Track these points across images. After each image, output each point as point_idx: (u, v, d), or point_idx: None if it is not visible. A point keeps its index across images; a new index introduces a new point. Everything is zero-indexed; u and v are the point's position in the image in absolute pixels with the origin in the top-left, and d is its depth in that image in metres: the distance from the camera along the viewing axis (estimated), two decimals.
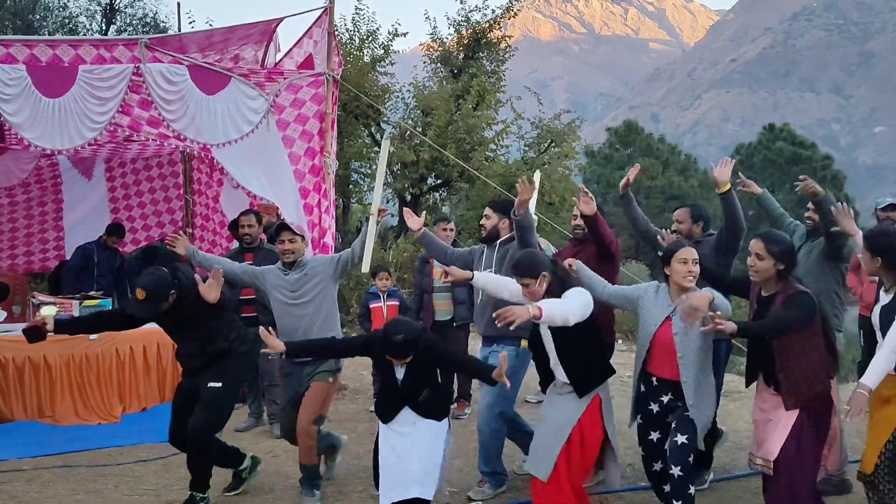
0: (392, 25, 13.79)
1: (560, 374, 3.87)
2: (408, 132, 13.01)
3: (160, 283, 4.14)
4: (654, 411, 3.91)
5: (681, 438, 3.73)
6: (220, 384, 4.36)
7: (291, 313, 4.56)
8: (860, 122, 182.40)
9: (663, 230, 4.69)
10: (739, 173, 4.86)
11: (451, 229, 6.35)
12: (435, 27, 14.46)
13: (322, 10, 6.88)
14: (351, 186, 14.07)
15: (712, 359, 3.93)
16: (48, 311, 4.22)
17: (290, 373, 4.68)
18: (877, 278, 3.79)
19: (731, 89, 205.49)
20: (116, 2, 16.89)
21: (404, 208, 4.42)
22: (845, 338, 4.85)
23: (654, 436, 3.91)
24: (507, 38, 14.24)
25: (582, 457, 3.78)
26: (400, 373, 3.90)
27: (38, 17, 16.63)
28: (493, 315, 3.51)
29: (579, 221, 4.83)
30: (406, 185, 13.42)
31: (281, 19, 7.20)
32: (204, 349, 4.37)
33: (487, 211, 4.87)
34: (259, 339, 4.08)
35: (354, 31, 13.69)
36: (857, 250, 4.10)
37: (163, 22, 17.05)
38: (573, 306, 3.65)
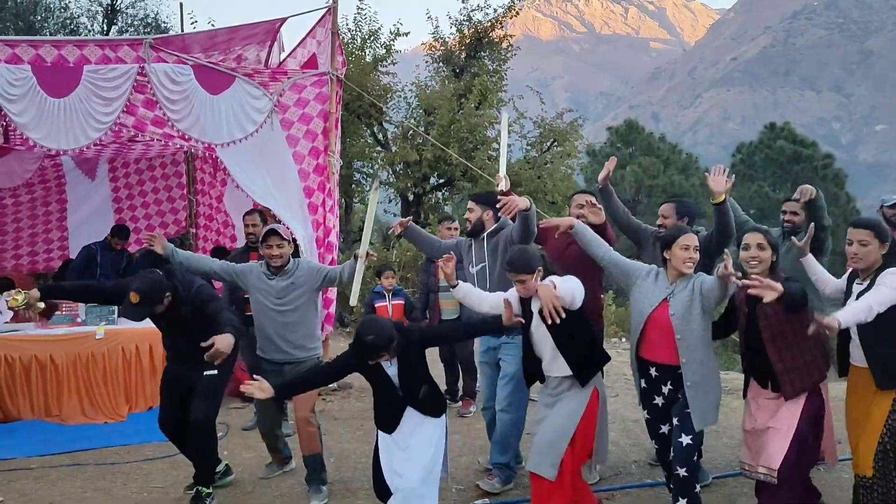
0: (394, 25, 13.80)
1: (558, 370, 3.83)
2: (410, 131, 13.02)
3: (154, 286, 4.17)
4: (660, 404, 3.94)
5: (685, 439, 3.75)
6: (215, 371, 4.42)
7: (275, 320, 4.55)
8: (861, 120, 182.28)
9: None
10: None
11: (456, 228, 6.36)
12: (437, 27, 14.48)
13: (325, 9, 6.89)
14: (353, 186, 14.07)
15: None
16: (17, 297, 4.17)
17: (269, 371, 4.57)
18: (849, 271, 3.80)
19: (732, 88, 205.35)
20: (118, 2, 16.91)
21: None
22: None
23: (665, 429, 3.94)
24: (509, 38, 14.25)
25: (582, 451, 3.82)
26: (392, 371, 3.76)
27: (39, 17, 16.64)
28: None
29: (582, 211, 4.83)
30: (408, 185, 13.43)
31: (284, 19, 7.21)
32: (197, 348, 4.33)
33: (471, 204, 4.86)
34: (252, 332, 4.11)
35: (356, 30, 13.71)
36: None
37: (164, 22, 17.05)
38: (574, 281, 3.76)
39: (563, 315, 3.64)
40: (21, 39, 6.35)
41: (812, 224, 4.37)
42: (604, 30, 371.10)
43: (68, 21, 16.78)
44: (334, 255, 6.79)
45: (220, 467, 4.77)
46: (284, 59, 7.44)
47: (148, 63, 6.10)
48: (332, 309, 6.79)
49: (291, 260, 4.67)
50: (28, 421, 6.05)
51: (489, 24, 14.13)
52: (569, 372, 3.81)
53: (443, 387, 6.51)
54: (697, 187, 28.12)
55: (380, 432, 3.86)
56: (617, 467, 5.03)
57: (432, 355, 4.99)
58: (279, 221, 6.35)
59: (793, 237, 4.62)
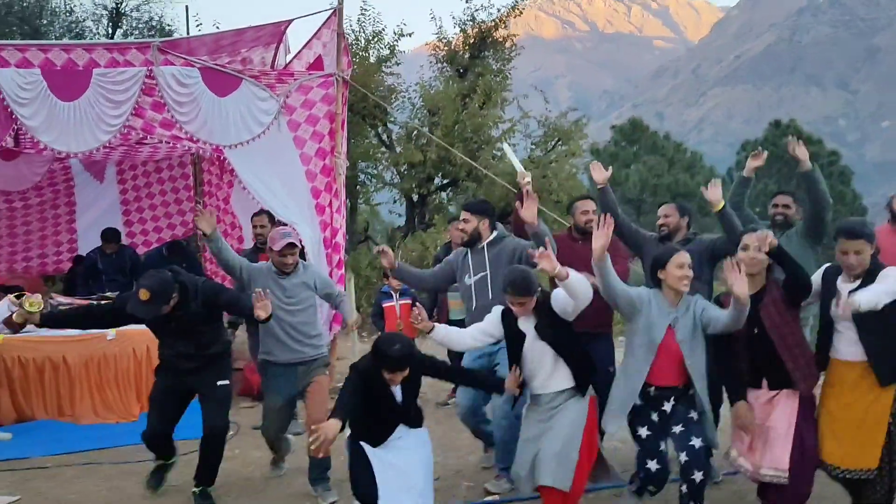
0: (397, 25, 13.86)
1: (555, 385, 3.84)
2: (415, 132, 13.06)
3: (164, 284, 4.21)
4: (655, 419, 3.86)
5: (697, 442, 3.74)
6: (227, 381, 4.53)
7: (284, 319, 4.58)
8: (867, 117, 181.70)
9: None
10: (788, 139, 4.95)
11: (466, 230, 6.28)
12: (440, 27, 14.53)
13: (331, 11, 6.95)
14: (358, 187, 14.13)
15: None
16: (34, 302, 4.19)
17: (279, 374, 4.65)
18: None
19: (737, 86, 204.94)
20: (122, 6, 17.00)
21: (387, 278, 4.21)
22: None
23: (664, 445, 3.86)
24: (513, 37, 14.28)
25: (588, 458, 3.85)
26: (398, 393, 3.80)
27: (44, 21, 16.74)
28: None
29: (591, 217, 4.86)
30: (413, 186, 13.47)
31: (290, 21, 7.28)
32: (201, 352, 4.45)
33: (465, 215, 4.73)
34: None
35: (360, 31, 13.76)
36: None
37: (168, 25, 17.14)
38: (586, 284, 3.71)
39: None
40: (31, 43, 6.43)
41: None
42: (607, 28, 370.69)
43: (73, 25, 16.88)
44: (341, 255, 6.85)
45: (175, 458, 4.77)
46: (290, 61, 7.50)
47: (156, 66, 6.17)
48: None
49: (298, 261, 4.76)
50: (42, 421, 6.12)
51: (493, 23, 14.16)
52: (567, 385, 3.84)
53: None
54: (703, 185, 28.13)
55: (364, 444, 3.83)
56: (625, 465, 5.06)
57: (440, 352, 5.06)
58: (283, 223, 6.39)
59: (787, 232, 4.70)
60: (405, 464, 3.79)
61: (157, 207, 9.59)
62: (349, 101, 7.23)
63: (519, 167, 4.99)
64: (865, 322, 3.57)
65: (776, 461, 3.68)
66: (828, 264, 3.89)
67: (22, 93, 5.83)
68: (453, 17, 14.35)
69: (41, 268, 9.38)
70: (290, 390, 4.67)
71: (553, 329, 3.84)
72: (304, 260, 5.65)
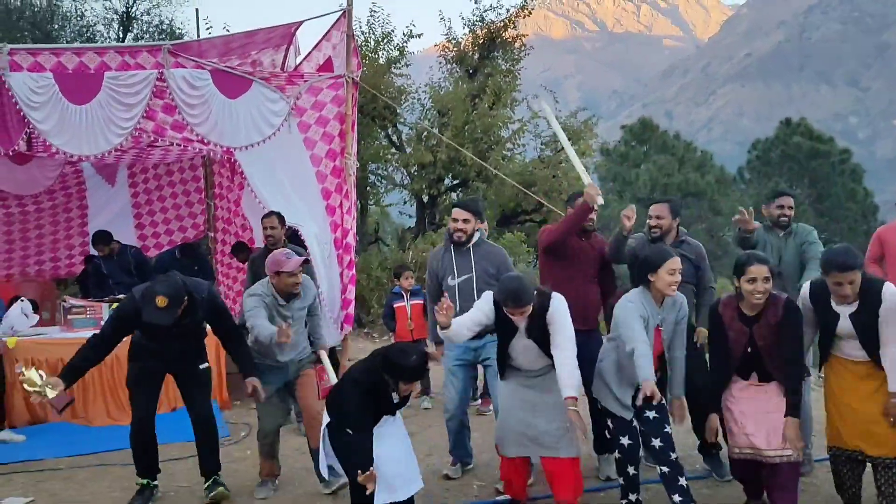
0: (407, 27, 13.87)
1: (537, 365, 4.03)
2: (424, 133, 13.06)
3: (178, 289, 4.22)
4: (651, 417, 3.98)
5: (669, 428, 3.93)
6: (207, 363, 4.63)
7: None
8: (878, 114, 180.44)
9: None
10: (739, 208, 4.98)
11: (485, 228, 6.22)
12: (450, 28, 14.52)
13: (340, 13, 6.96)
14: (368, 188, 14.14)
15: None
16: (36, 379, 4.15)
17: (272, 369, 4.62)
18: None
19: (746, 84, 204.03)
20: (133, 10, 17.11)
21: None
22: None
23: (629, 442, 3.98)
24: (522, 38, 14.26)
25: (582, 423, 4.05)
26: (396, 397, 3.80)
27: (56, 26, 16.87)
28: None
29: (594, 215, 4.82)
30: (423, 186, 13.47)
31: (300, 23, 7.29)
32: (189, 349, 4.53)
33: (466, 214, 4.71)
34: None
35: (370, 33, 13.79)
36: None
37: (178, 29, 17.25)
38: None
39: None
40: (43, 47, 6.46)
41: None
42: (616, 28, 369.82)
43: (84, 29, 17.00)
44: (352, 256, 6.86)
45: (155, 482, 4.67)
46: (300, 63, 7.52)
47: (167, 68, 6.18)
48: (351, 309, 6.85)
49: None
50: (55, 422, 6.14)
51: (502, 24, 14.14)
52: (544, 362, 4.00)
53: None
54: (713, 185, 27.97)
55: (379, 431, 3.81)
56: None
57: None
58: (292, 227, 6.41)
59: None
60: (389, 451, 3.75)
61: (168, 210, 9.62)
62: (359, 103, 7.24)
63: (585, 176, 4.72)
64: (870, 338, 3.73)
65: (797, 440, 3.78)
66: (809, 282, 3.96)
67: (34, 97, 5.87)
68: (462, 18, 14.37)
69: (53, 271, 9.44)
70: (281, 379, 4.69)
71: (542, 331, 3.92)
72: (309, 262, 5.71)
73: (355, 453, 3.58)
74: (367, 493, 3.48)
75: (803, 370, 3.91)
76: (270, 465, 4.78)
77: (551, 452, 3.99)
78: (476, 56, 14.28)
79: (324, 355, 5.01)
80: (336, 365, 6.54)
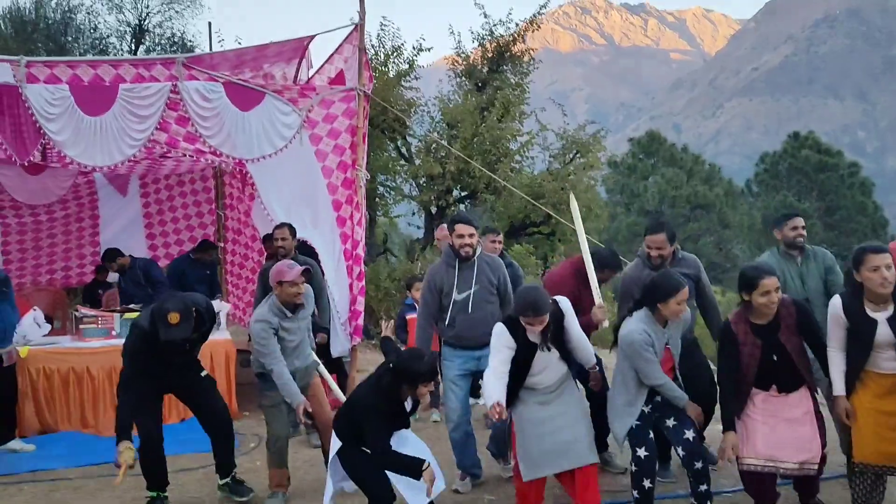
0: (416, 40, 13.93)
1: (551, 377, 4.09)
2: (433, 144, 13.11)
3: (185, 302, 4.31)
4: (648, 410, 4.11)
5: (689, 434, 4.00)
6: (205, 370, 4.79)
7: (287, 348, 4.62)
8: (886, 127, 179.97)
9: None
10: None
11: (500, 241, 6.18)
12: (459, 41, 14.59)
13: (352, 27, 7.02)
14: (377, 199, 14.18)
15: None
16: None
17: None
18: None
19: (754, 98, 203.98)
20: (146, 22, 17.28)
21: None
22: None
23: (645, 454, 4.04)
24: (531, 51, 14.32)
25: None
26: (409, 404, 3.93)
27: (70, 38, 17.04)
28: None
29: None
30: (431, 198, 13.49)
31: (313, 37, 7.34)
32: (191, 359, 4.68)
33: (472, 230, 4.77)
34: None
35: (380, 46, 13.86)
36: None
37: (190, 41, 17.40)
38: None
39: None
40: (59, 60, 6.54)
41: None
42: (623, 41, 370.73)
43: (98, 41, 17.18)
44: (361, 267, 6.88)
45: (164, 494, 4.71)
46: (312, 76, 7.57)
47: (180, 81, 6.25)
48: (360, 320, 6.86)
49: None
50: (66, 432, 6.17)
51: (510, 38, 14.21)
52: (561, 372, 4.10)
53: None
54: (721, 197, 27.96)
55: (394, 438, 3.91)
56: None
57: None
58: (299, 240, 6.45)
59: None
60: (412, 448, 3.90)
61: (179, 220, 9.68)
62: (369, 115, 7.28)
63: (597, 295, 4.79)
64: None
65: (815, 451, 3.84)
66: (837, 296, 3.93)
67: (50, 108, 5.93)
68: (472, 32, 14.42)
69: (65, 280, 9.49)
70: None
71: (560, 336, 4.07)
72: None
73: (401, 469, 3.76)
74: (433, 485, 3.68)
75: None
76: (281, 474, 4.77)
77: (582, 461, 4.01)
78: (485, 69, 14.33)
79: (321, 367, 5.09)
80: (345, 377, 6.55)
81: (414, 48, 13.81)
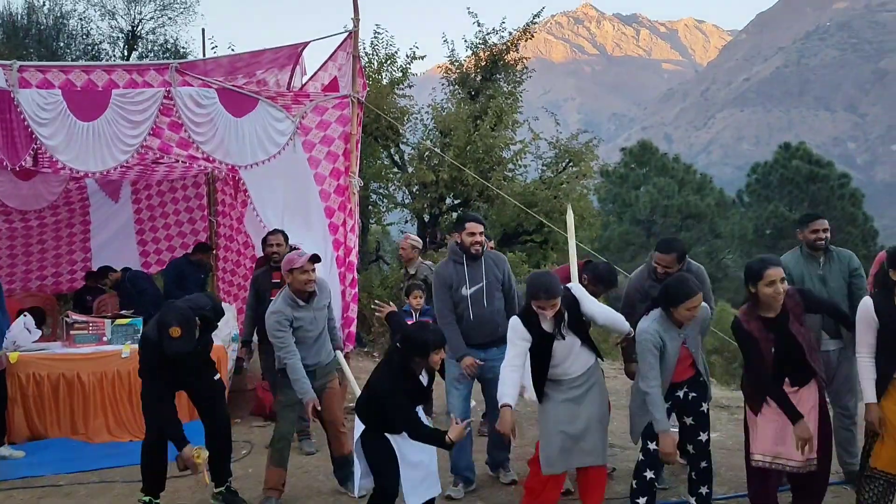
0: (410, 48, 13.96)
1: (576, 369, 4.15)
2: (427, 152, 13.12)
3: (184, 313, 4.30)
4: (668, 405, 4.12)
5: (703, 436, 4.17)
6: (218, 374, 4.80)
7: (306, 342, 4.69)
8: (876, 139, 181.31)
9: None
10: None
11: (492, 248, 6.10)
12: (452, 50, 14.64)
13: (347, 34, 7.02)
14: (370, 207, 14.17)
15: None
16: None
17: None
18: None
19: (745, 108, 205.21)
20: (138, 28, 17.24)
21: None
22: None
23: (655, 448, 4.07)
24: (524, 60, 14.38)
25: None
26: (425, 378, 4.01)
27: (62, 44, 16.98)
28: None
29: None
30: (424, 206, 13.50)
31: (307, 43, 7.35)
32: (197, 370, 4.64)
33: (481, 228, 4.95)
34: None
35: (373, 54, 13.88)
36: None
37: (183, 48, 17.35)
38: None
39: None
40: (52, 65, 6.52)
41: None
42: (615, 52, 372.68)
43: (90, 47, 17.10)
44: (354, 274, 6.86)
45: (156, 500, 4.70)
46: (306, 83, 7.57)
47: (174, 87, 6.23)
48: (353, 327, 6.85)
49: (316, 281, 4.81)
50: (56, 439, 6.12)
51: (504, 46, 14.26)
52: (587, 365, 4.18)
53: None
54: (713, 207, 28.06)
55: (390, 436, 3.94)
56: None
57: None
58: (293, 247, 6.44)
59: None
60: (419, 455, 3.97)
61: (171, 227, 9.67)
62: (362, 122, 7.29)
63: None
64: None
65: (812, 448, 3.85)
66: (867, 298, 3.94)
67: (42, 113, 5.92)
68: (465, 41, 14.47)
69: (55, 286, 9.45)
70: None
71: (580, 323, 4.17)
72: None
73: (430, 440, 3.85)
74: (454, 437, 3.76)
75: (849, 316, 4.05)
76: (278, 475, 4.76)
77: (599, 460, 4.11)
78: (478, 78, 14.37)
79: (340, 356, 5.19)
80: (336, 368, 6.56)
81: (407, 56, 13.84)
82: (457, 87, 14.47)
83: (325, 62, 7.35)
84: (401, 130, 12.98)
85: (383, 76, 13.56)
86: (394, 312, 4.61)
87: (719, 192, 30.14)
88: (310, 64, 7.66)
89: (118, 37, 17.22)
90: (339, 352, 5.22)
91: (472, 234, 4.87)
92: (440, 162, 12.72)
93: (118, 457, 5.75)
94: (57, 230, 9.31)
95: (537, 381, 4.20)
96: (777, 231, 26.45)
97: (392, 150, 14.05)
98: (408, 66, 13.72)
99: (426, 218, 13.88)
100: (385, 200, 14.45)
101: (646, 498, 4.08)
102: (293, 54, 7.38)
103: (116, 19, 17.00)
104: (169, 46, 17.18)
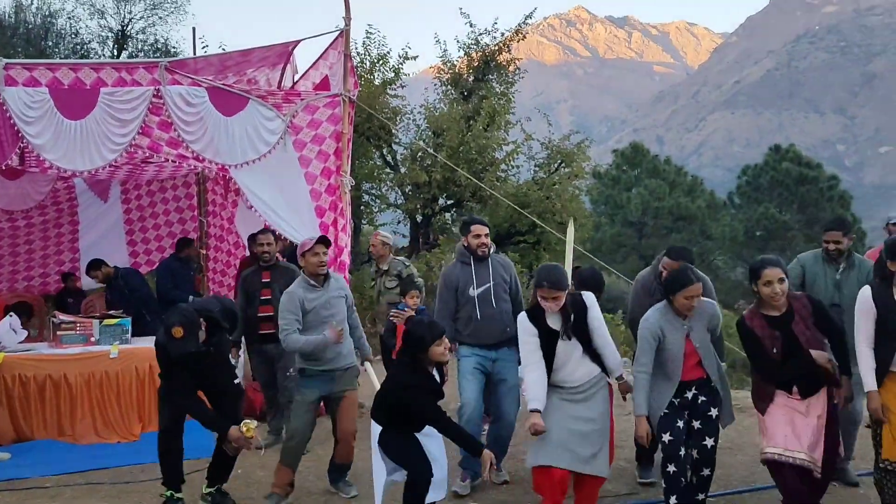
0: (402, 49, 13.95)
1: (581, 376, 4.12)
2: (419, 153, 13.10)
3: (186, 313, 4.29)
4: (677, 403, 4.16)
5: (709, 442, 4.12)
6: (239, 379, 4.82)
7: (322, 326, 4.71)
8: (865, 142, 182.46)
9: None
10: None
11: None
12: (445, 50, 14.62)
13: (338, 32, 6.99)
14: (362, 207, 14.14)
15: None
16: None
17: (316, 376, 4.74)
18: None
19: (736, 111, 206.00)
20: (128, 28, 17.14)
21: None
22: None
23: (670, 438, 4.11)
24: (516, 61, 14.39)
25: (612, 444, 4.34)
26: (436, 374, 4.06)
27: (50, 43, 16.87)
28: None
29: None
30: (417, 206, 13.49)
31: (297, 42, 7.31)
32: (221, 358, 4.65)
33: (486, 230, 5.09)
34: None
35: (365, 54, 13.86)
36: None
37: (174, 48, 17.27)
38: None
39: None
40: (39, 62, 6.45)
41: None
42: (607, 54, 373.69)
43: (79, 46, 17.00)
44: (345, 273, 6.82)
45: (179, 494, 4.68)
46: (297, 81, 7.53)
47: (163, 85, 6.18)
48: None
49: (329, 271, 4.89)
50: (42, 440, 6.04)
51: (496, 47, 14.27)
52: (591, 374, 4.14)
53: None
54: (704, 209, 28.18)
55: (418, 435, 4.02)
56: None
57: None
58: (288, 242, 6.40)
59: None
60: (436, 452, 4.08)
61: (160, 227, 9.57)
62: (354, 122, 7.25)
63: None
64: None
65: (819, 452, 3.89)
66: (865, 287, 3.96)
67: (29, 111, 5.85)
68: (458, 41, 14.49)
69: (42, 287, 9.34)
70: (324, 389, 4.78)
71: (584, 330, 4.16)
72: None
73: (458, 439, 3.94)
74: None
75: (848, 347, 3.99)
76: (286, 476, 4.73)
77: (596, 470, 4.07)
78: (471, 78, 14.38)
79: (370, 367, 5.26)
80: (356, 376, 6.53)
81: (400, 56, 13.83)
82: (449, 87, 14.48)
83: (317, 61, 7.31)
84: (393, 130, 12.95)
85: (375, 76, 13.55)
86: (411, 318, 4.66)
87: (710, 193, 30.29)
88: (301, 63, 7.60)
89: (107, 36, 17.13)
90: (368, 363, 5.28)
91: (478, 235, 5.01)
92: (433, 162, 12.71)
93: (105, 458, 5.70)
94: (45, 230, 9.20)
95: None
96: (767, 233, 26.57)
97: (384, 151, 14.03)
98: (400, 66, 13.71)
99: (419, 218, 13.87)
100: (377, 201, 14.43)
101: (675, 496, 4.04)
102: (284, 53, 7.33)
103: (106, 18, 16.91)
104: (159, 46, 17.10)
